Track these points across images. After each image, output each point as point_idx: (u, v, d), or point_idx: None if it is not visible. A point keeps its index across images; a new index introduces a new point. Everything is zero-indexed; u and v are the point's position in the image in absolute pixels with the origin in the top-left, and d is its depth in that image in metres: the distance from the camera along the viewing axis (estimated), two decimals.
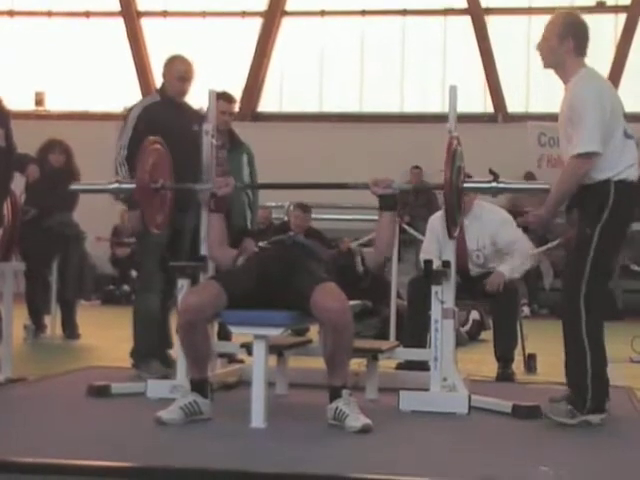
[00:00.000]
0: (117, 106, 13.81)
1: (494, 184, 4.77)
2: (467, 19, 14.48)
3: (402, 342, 5.89)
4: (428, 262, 4.87)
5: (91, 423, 4.42)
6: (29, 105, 14.93)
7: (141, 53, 15.10)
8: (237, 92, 11.90)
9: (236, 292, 4.39)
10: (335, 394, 4.27)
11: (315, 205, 9.15)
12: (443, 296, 4.79)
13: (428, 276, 4.83)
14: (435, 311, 4.80)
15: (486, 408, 4.76)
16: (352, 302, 4.46)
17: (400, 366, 6.10)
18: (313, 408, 4.56)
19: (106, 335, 8.47)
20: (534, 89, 14.18)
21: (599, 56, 13.47)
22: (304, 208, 8.87)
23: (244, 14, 15.11)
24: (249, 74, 14.86)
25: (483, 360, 6.72)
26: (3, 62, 15.12)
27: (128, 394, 5.07)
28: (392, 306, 6.81)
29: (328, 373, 4.31)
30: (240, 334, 4.79)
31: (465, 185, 4.81)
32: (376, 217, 4.78)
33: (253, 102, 14.85)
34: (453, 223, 4.75)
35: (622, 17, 14.19)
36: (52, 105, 15.24)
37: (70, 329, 8.31)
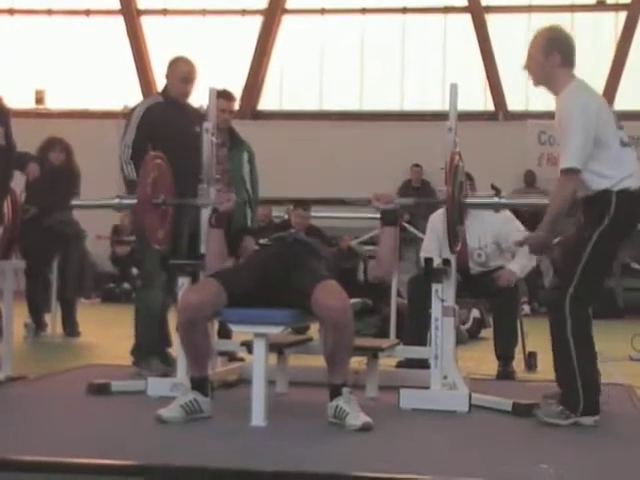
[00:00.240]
0: (117, 104, 13.84)
1: (496, 199, 4.85)
2: (467, 17, 14.47)
3: (402, 340, 5.90)
4: (428, 260, 4.88)
5: (91, 421, 4.42)
6: (29, 103, 14.92)
7: (141, 51, 15.09)
8: (237, 90, 11.90)
9: (236, 290, 4.38)
10: (335, 392, 4.27)
11: (315, 203, 9.14)
12: (443, 294, 4.79)
13: (428, 274, 4.83)
14: (435, 309, 4.80)
15: (486, 406, 4.77)
16: (352, 300, 4.46)
17: (400, 364, 6.10)
18: (313, 406, 4.56)
19: (106, 333, 8.47)
20: (534, 87, 14.15)
21: (599, 55, 13.56)
22: (305, 206, 8.86)
23: (244, 12, 15.11)
24: (249, 72, 14.86)
25: (483, 358, 6.72)
26: (3, 60, 15.11)
27: (128, 392, 5.06)
28: (392, 304, 6.80)
29: (328, 371, 4.32)
30: (240, 332, 4.79)
31: (467, 201, 4.83)
32: (377, 216, 4.79)
33: (253, 100, 14.85)
34: (455, 238, 4.75)
35: (622, 15, 14.18)
36: (52, 103, 15.24)
37: (70, 327, 8.32)
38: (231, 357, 6.00)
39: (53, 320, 8.32)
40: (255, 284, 4.41)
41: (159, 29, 15.18)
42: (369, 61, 14.86)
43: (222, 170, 5.75)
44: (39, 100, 15.18)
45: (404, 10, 14.73)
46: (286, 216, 9.40)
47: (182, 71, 5.88)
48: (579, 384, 4.36)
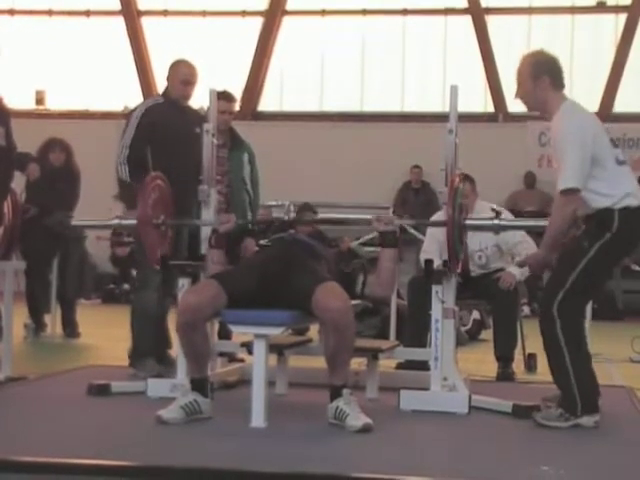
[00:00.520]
0: (117, 105, 13.85)
1: (496, 221, 4.87)
2: (468, 19, 14.47)
3: (402, 342, 5.90)
4: (428, 262, 4.88)
5: (91, 422, 4.42)
6: (29, 104, 14.92)
7: (141, 52, 15.09)
8: (238, 91, 11.88)
9: (236, 291, 4.38)
10: (336, 393, 4.27)
11: (315, 204, 9.14)
12: (443, 296, 4.79)
13: (429, 276, 4.83)
14: (435, 311, 4.80)
15: (486, 408, 4.77)
16: (353, 302, 4.46)
17: (400, 366, 6.10)
18: (313, 407, 4.56)
19: (106, 334, 8.47)
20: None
21: (599, 56, 13.56)
22: (310, 209, 8.85)
23: (244, 13, 15.10)
24: (250, 73, 14.86)
25: (483, 360, 6.73)
26: (3, 61, 15.10)
27: (128, 393, 5.07)
28: (392, 306, 6.81)
29: (329, 372, 4.31)
30: (240, 333, 4.79)
31: (467, 222, 4.84)
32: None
33: (254, 101, 14.85)
34: (455, 259, 4.75)
35: (622, 17, 14.16)
36: (52, 104, 15.23)
37: (70, 328, 8.31)
38: (231, 358, 6.00)
39: (53, 321, 8.32)
40: (255, 285, 4.41)
41: (159, 30, 15.17)
42: (369, 62, 14.85)
43: (222, 171, 5.75)
44: (39, 101, 15.17)
45: (404, 11, 14.73)
46: (287, 217, 9.39)
47: (183, 74, 5.88)
48: (574, 385, 4.36)
